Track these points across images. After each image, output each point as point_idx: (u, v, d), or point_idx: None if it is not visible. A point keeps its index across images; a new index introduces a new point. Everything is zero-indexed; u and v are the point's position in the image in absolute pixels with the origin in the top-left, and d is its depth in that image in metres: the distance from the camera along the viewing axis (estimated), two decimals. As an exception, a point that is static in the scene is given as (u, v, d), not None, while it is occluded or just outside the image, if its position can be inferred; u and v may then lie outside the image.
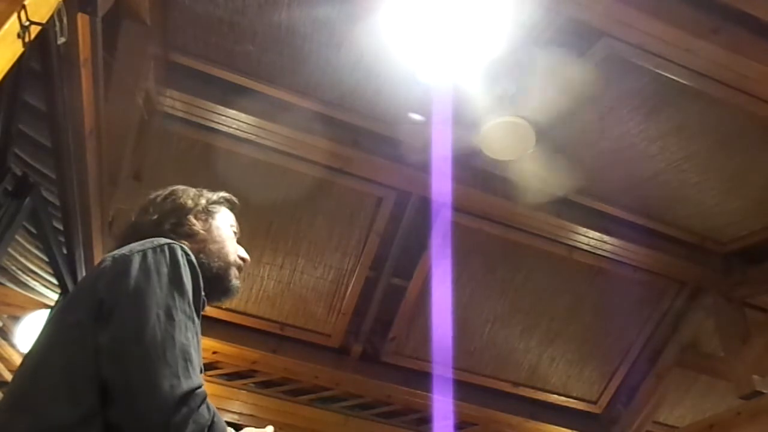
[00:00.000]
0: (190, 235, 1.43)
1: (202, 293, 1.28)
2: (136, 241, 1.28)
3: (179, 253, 1.24)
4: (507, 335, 4.53)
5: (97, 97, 2.61)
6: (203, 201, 1.52)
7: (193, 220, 1.46)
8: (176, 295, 1.17)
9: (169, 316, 1.13)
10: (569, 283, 4.34)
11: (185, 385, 1.05)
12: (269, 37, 3.15)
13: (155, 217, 1.44)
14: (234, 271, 1.48)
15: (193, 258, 1.27)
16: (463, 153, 3.38)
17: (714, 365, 4.41)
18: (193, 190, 1.55)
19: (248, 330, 4.35)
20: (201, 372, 1.15)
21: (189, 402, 1.05)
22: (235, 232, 1.55)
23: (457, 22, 2.66)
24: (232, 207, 1.59)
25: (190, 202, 1.49)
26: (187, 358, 1.09)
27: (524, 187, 3.50)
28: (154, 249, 1.23)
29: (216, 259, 1.44)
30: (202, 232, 1.46)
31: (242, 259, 1.52)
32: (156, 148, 3.67)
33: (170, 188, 1.54)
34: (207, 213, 1.50)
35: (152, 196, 1.52)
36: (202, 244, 1.44)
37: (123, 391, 1.05)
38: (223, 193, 1.58)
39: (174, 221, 1.44)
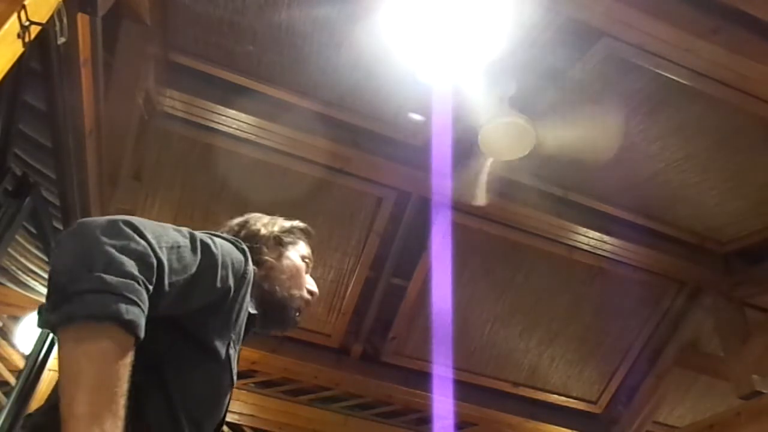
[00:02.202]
0: (259, 263, 1.43)
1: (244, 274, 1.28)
2: None
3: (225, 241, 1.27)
4: (507, 335, 4.53)
5: (97, 97, 2.61)
6: (276, 230, 1.54)
7: (265, 249, 1.47)
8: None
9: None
10: (569, 283, 4.34)
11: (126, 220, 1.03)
12: (269, 37, 3.15)
13: None
14: (296, 303, 1.48)
15: (232, 244, 1.28)
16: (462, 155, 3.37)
17: (714, 365, 4.40)
18: (267, 217, 1.57)
19: (248, 330, 4.35)
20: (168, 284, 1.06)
21: (121, 224, 1.02)
22: (307, 263, 1.55)
23: (457, 23, 2.66)
24: (307, 236, 1.60)
25: (263, 230, 1.51)
26: (156, 232, 1.07)
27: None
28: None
29: (279, 290, 1.45)
30: (270, 260, 1.47)
31: (310, 292, 1.52)
32: (156, 148, 3.67)
33: (246, 215, 1.56)
34: (279, 242, 1.51)
35: (229, 222, 1.54)
36: (269, 272, 1.45)
37: None
38: (297, 223, 1.59)
39: None
